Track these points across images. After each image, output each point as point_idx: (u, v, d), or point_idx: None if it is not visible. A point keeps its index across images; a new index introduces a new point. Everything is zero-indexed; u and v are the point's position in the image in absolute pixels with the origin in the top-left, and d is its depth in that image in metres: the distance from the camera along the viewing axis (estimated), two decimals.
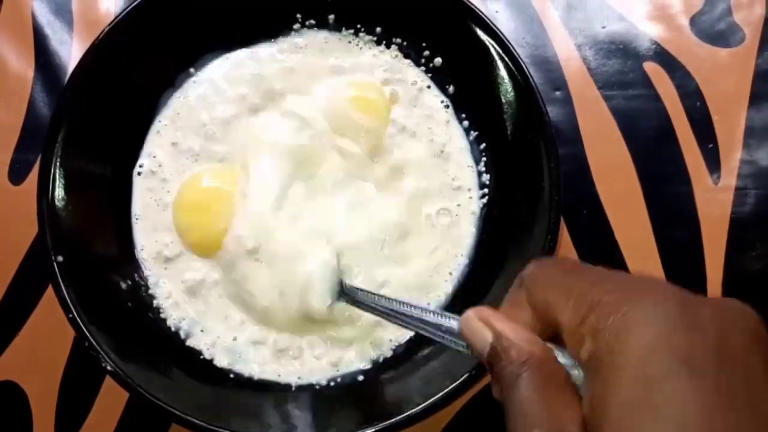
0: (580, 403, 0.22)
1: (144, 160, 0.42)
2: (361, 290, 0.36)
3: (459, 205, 0.43)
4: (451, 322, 0.28)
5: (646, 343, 0.20)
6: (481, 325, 0.25)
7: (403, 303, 0.32)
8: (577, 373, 0.23)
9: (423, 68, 0.45)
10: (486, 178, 0.43)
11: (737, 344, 0.20)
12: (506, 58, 0.40)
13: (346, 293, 0.37)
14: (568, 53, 0.50)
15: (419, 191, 0.43)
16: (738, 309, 0.22)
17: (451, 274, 0.42)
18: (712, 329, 0.20)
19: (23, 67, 0.49)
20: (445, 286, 0.42)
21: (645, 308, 0.21)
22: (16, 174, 0.47)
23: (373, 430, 0.34)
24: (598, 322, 0.21)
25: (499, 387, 0.24)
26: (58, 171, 0.37)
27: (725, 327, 0.21)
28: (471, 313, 0.26)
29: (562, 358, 0.23)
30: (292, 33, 0.45)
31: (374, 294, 0.35)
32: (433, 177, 0.44)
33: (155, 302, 0.40)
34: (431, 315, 0.29)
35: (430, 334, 0.29)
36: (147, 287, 0.41)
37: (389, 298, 0.33)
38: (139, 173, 0.42)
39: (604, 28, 0.50)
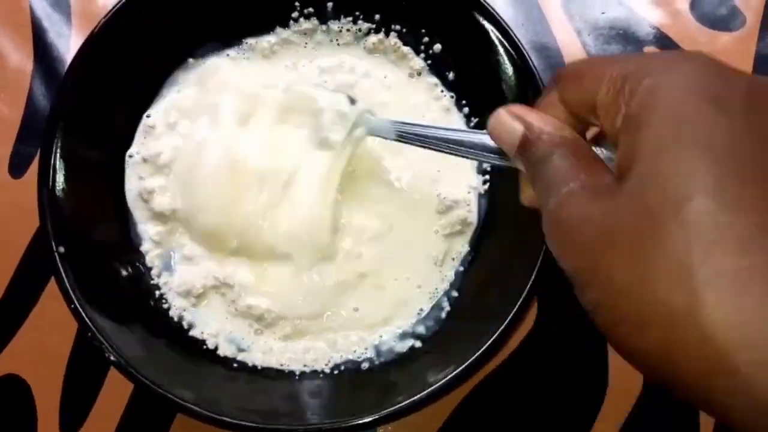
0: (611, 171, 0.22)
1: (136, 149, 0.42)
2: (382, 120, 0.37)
3: (459, 191, 0.43)
4: (479, 135, 0.29)
5: (678, 88, 0.20)
6: (512, 118, 0.25)
7: (425, 126, 0.33)
8: (610, 157, 0.24)
9: (423, 55, 0.44)
10: (487, 165, 0.43)
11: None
12: (506, 44, 0.39)
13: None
14: (568, 39, 0.50)
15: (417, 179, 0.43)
16: None
17: (453, 259, 0.42)
18: (743, 81, 0.21)
19: (22, 60, 0.48)
20: (446, 273, 0.42)
21: (679, 64, 0.21)
22: (17, 167, 0.47)
23: (375, 416, 0.34)
24: (632, 85, 0.22)
25: (531, 174, 0.25)
26: (58, 161, 0.37)
27: (756, 83, 0.21)
28: (501, 110, 0.26)
29: (595, 149, 0.24)
30: (291, 22, 0.45)
31: (398, 122, 0.36)
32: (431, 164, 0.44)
33: (158, 292, 0.40)
34: (454, 132, 0.31)
35: (456, 151, 0.31)
36: (150, 277, 0.40)
37: (412, 124, 0.34)
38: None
39: (603, 13, 0.50)
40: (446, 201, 0.42)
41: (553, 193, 0.22)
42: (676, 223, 0.18)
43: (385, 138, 0.37)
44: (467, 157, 0.31)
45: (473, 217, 0.43)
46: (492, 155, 0.28)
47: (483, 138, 0.28)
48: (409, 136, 0.34)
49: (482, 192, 0.43)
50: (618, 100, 0.22)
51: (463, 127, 0.44)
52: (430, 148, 0.33)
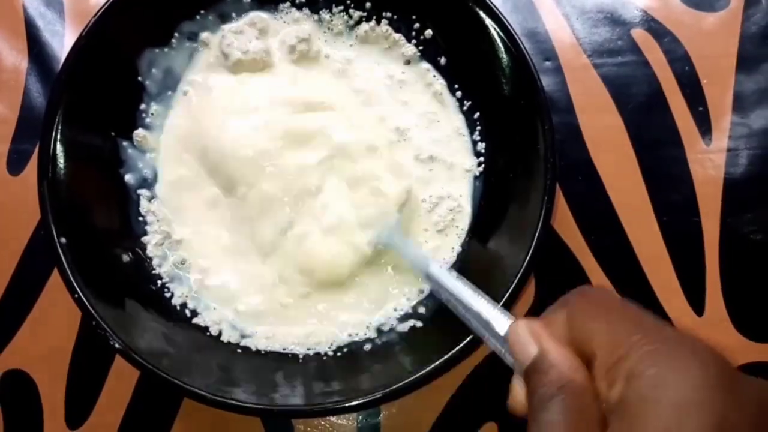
0: None
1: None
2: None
3: (456, 174, 0.44)
4: (500, 324, 0.28)
5: (683, 400, 0.20)
6: (530, 337, 0.25)
7: (468, 288, 0.31)
8: None
9: (414, 41, 0.45)
10: (481, 146, 0.44)
11: None
12: (497, 27, 0.40)
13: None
14: (557, 23, 0.50)
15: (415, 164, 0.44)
16: None
17: (453, 245, 0.43)
18: (753, 404, 0.20)
19: (17, 59, 0.49)
20: (446, 255, 0.43)
21: (689, 365, 0.20)
22: (14, 165, 0.47)
23: (379, 395, 0.35)
24: (636, 366, 0.21)
25: (529, 403, 0.24)
26: (57, 151, 0.37)
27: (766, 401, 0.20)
28: (522, 323, 0.26)
29: None
30: (284, 11, 0.45)
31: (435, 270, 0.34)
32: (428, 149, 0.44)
33: (159, 282, 0.41)
34: (484, 306, 0.29)
35: (476, 328, 0.29)
36: (152, 267, 0.41)
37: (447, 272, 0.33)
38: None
39: None
40: (432, 199, 0.43)
41: None
42: None
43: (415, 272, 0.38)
44: (479, 336, 0.29)
45: (465, 203, 0.43)
46: (501, 347, 0.27)
47: (501, 323, 0.28)
48: (436, 285, 0.33)
49: (477, 174, 0.44)
50: (617, 370, 0.21)
51: (458, 110, 0.44)
52: (448, 305, 0.32)
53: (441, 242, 0.43)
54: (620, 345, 0.22)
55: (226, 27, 0.44)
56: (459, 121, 0.44)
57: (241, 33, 0.44)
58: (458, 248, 0.43)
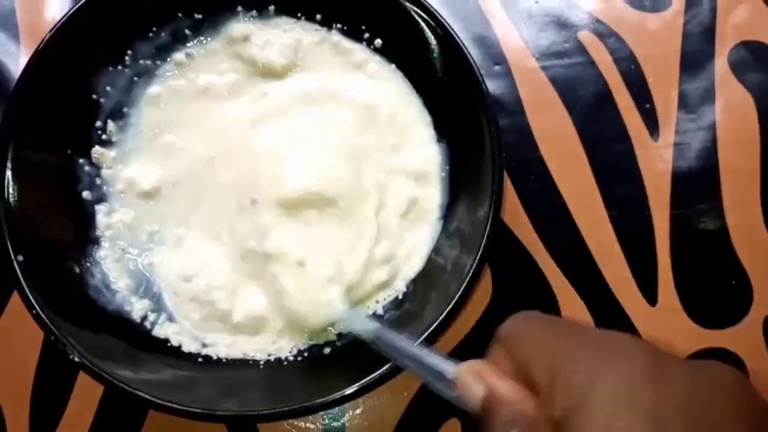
0: None
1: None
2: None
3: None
4: (447, 370, 0.28)
5: (611, 397, 0.20)
6: (474, 378, 0.25)
7: (406, 341, 0.32)
8: None
9: (366, 51, 0.46)
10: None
11: (713, 404, 0.20)
12: (439, 32, 0.41)
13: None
14: (505, 29, 0.52)
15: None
16: (722, 372, 0.21)
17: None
18: (683, 386, 0.20)
19: None
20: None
21: (614, 363, 0.21)
22: None
23: (339, 395, 0.36)
24: (568, 377, 0.22)
25: None
26: (13, 170, 0.38)
27: (701, 386, 0.20)
28: (465, 366, 0.26)
29: None
30: (233, 26, 0.46)
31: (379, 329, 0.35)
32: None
33: (119, 295, 0.41)
34: (430, 358, 0.29)
35: (425, 378, 0.29)
36: (110, 281, 0.41)
37: (395, 334, 0.34)
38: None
39: (537, 2, 0.52)
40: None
41: None
42: None
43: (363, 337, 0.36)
44: (429, 386, 0.29)
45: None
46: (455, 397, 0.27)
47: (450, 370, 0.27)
48: (384, 344, 0.34)
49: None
50: (554, 386, 0.22)
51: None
52: (398, 363, 0.33)
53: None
54: (552, 360, 0.23)
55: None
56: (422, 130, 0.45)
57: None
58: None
